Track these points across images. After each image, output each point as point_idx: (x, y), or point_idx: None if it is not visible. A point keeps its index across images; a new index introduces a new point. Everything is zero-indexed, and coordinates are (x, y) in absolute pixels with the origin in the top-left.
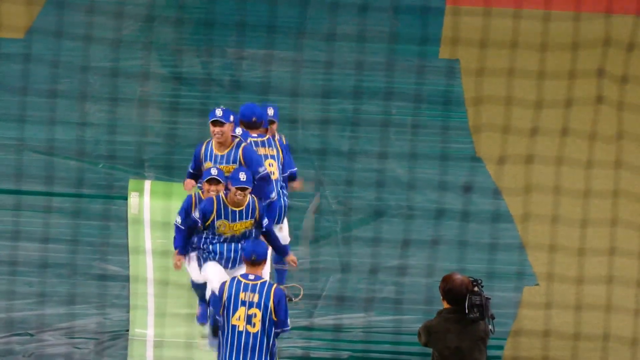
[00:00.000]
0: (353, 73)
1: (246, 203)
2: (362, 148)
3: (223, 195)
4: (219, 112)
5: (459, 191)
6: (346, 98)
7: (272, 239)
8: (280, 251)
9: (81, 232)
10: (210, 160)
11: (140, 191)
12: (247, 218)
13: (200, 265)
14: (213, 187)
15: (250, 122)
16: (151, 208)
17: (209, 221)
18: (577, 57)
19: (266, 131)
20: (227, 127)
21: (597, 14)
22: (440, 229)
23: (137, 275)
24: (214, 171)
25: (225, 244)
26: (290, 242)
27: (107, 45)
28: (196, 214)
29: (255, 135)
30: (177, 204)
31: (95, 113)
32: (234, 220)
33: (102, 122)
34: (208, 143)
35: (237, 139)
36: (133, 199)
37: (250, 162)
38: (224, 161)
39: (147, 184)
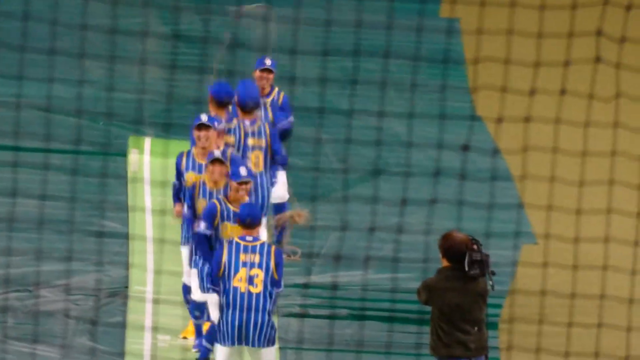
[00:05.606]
0: (352, 31)
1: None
2: (362, 106)
3: (223, 197)
4: (204, 117)
5: (457, 150)
6: (346, 56)
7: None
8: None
9: (80, 189)
10: (193, 169)
11: (140, 149)
12: None
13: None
14: (203, 133)
15: (247, 107)
16: (151, 166)
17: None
18: (575, 16)
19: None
20: (212, 133)
21: None
22: (439, 187)
23: (135, 232)
24: (203, 117)
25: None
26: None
27: (107, 3)
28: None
29: (249, 122)
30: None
31: (94, 70)
32: (235, 222)
33: (101, 79)
34: (188, 153)
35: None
36: (133, 155)
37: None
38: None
39: (147, 141)
